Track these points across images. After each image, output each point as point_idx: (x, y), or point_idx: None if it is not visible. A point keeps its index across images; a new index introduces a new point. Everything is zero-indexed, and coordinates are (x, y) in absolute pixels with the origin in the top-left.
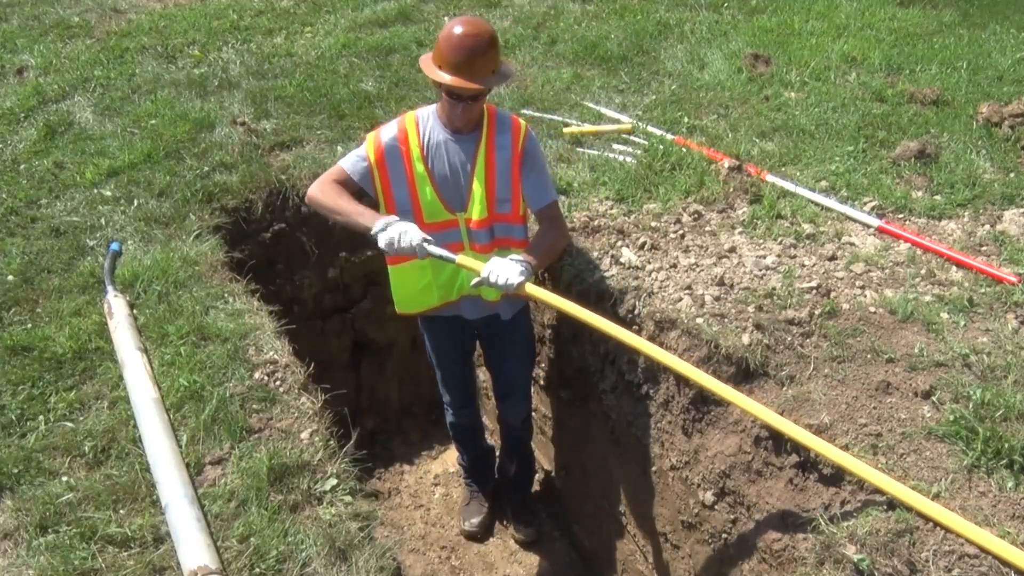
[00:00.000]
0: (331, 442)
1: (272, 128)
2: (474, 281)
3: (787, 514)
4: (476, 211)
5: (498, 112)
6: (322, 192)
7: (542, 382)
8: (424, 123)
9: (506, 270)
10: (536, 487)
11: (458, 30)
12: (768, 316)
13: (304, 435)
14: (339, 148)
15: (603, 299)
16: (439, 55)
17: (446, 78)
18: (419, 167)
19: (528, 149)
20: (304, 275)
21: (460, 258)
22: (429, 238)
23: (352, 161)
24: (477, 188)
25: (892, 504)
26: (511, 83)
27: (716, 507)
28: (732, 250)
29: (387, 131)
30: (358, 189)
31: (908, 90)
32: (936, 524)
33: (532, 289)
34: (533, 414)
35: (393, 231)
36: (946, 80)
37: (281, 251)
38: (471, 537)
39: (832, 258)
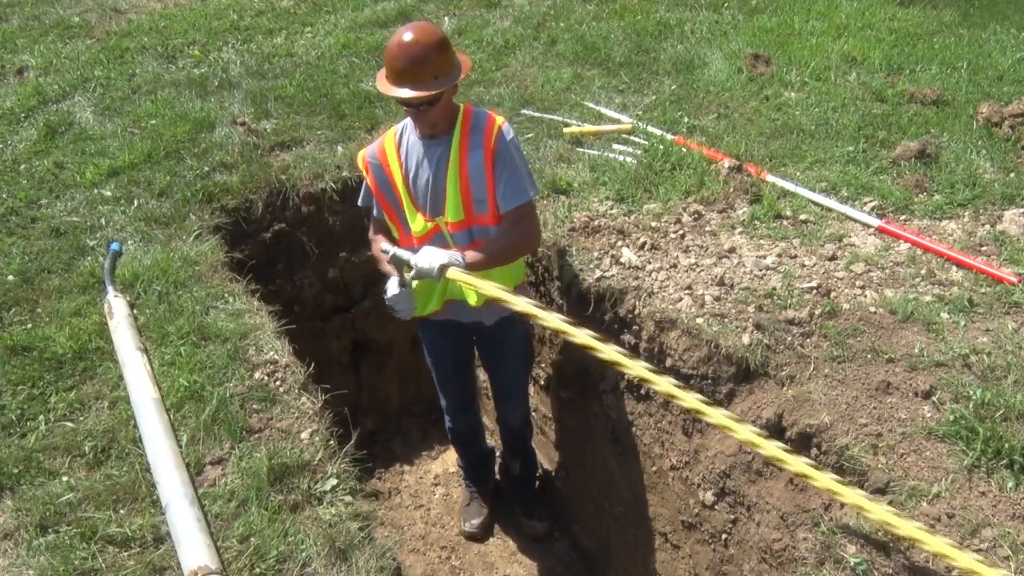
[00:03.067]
0: (331, 442)
1: (272, 128)
2: (411, 272)
3: (787, 514)
4: (451, 213)
5: (475, 111)
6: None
7: (542, 382)
8: (402, 135)
9: (429, 256)
10: (536, 486)
11: (401, 38)
12: (768, 316)
13: (304, 435)
14: (339, 148)
15: (603, 299)
16: (386, 66)
17: (391, 90)
18: (399, 178)
19: (500, 147)
20: (304, 275)
21: (411, 257)
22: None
23: (364, 197)
24: (451, 190)
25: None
26: (511, 84)
27: (716, 507)
28: (732, 250)
29: (370, 151)
30: (383, 220)
31: (908, 90)
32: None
33: (455, 274)
34: (533, 414)
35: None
36: (946, 80)
37: (281, 251)
38: (471, 538)
39: (832, 258)
